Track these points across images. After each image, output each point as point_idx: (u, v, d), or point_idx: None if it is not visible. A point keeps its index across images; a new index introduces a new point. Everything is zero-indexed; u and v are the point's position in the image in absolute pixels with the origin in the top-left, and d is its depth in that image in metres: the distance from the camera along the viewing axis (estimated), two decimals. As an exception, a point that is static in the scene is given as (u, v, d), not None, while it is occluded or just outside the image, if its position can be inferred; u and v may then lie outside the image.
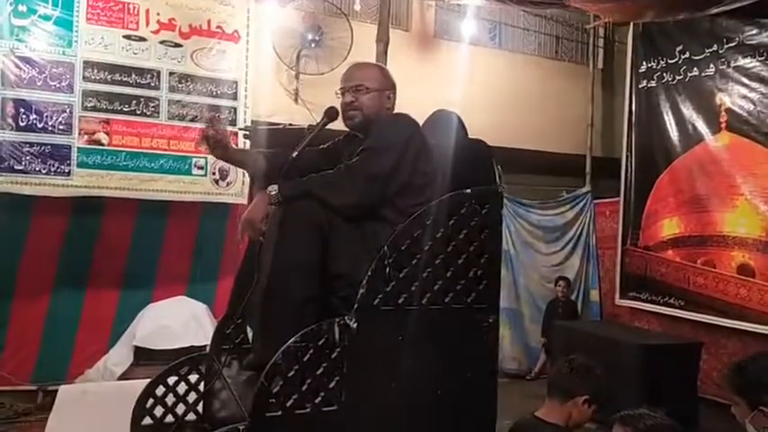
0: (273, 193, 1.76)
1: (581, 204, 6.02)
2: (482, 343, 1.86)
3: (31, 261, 4.28)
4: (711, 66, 4.67)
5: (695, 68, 4.80)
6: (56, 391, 3.46)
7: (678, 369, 4.10)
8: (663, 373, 3.88)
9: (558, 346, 4.87)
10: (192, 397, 2.25)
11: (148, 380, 2.26)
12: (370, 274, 1.68)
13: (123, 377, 3.94)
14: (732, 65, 4.51)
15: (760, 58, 4.33)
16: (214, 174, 4.64)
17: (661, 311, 5.03)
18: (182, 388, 2.24)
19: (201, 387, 2.24)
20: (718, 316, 4.53)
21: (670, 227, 5.02)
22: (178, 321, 4.18)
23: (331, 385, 1.62)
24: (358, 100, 1.98)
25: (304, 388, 1.59)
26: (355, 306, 1.66)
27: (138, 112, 4.42)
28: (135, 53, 4.39)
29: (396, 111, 2.07)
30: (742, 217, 4.44)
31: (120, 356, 4.15)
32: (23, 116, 4.10)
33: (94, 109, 4.30)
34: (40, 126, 4.14)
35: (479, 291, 1.83)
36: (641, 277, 5.23)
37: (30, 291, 4.29)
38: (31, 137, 4.12)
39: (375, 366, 1.70)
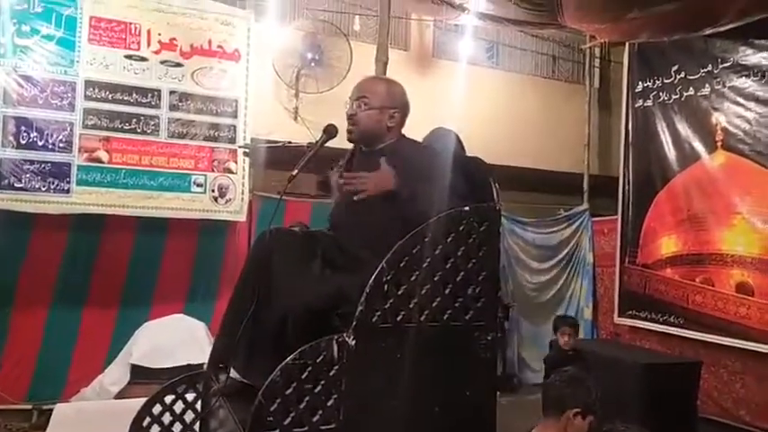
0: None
1: (578, 222, 6.04)
2: (480, 361, 1.85)
3: (30, 278, 4.27)
4: (707, 85, 4.72)
5: (691, 88, 4.85)
6: (51, 409, 3.44)
7: (678, 388, 4.07)
8: (662, 391, 3.85)
9: (557, 363, 4.83)
10: (189, 416, 2.23)
11: (145, 399, 2.24)
12: (368, 291, 1.68)
13: (120, 396, 3.90)
14: (727, 84, 4.56)
15: (755, 78, 4.39)
16: (213, 191, 4.65)
17: (660, 330, 5.01)
18: (179, 406, 2.23)
19: (199, 406, 2.22)
20: (717, 334, 4.52)
21: (668, 245, 5.03)
22: (175, 340, 4.15)
23: (329, 403, 1.61)
24: (357, 114, 2.00)
25: (302, 406, 1.59)
26: (353, 323, 1.66)
27: (139, 131, 4.44)
28: (136, 73, 4.43)
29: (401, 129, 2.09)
30: (740, 235, 4.46)
31: (116, 375, 4.12)
32: (24, 134, 4.12)
33: (95, 127, 4.33)
34: (40, 144, 4.16)
35: (477, 308, 1.84)
36: (640, 295, 5.22)
37: (27, 308, 4.27)
38: (32, 154, 4.14)
39: (373, 384, 1.69)
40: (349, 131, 2.03)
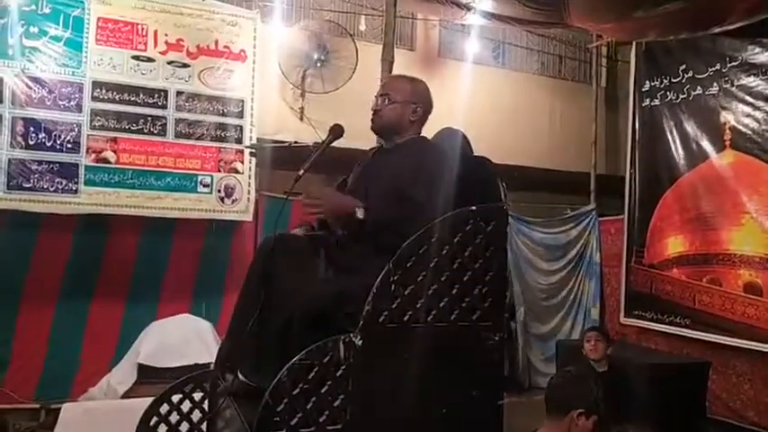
0: (360, 215, 1.82)
1: (585, 222, 6.02)
2: (488, 361, 1.85)
3: (38, 278, 4.30)
4: (715, 84, 4.69)
5: (699, 87, 4.82)
6: (59, 409, 3.45)
7: (686, 389, 4.05)
8: (671, 392, 3.84)
9: (564, 364, 4.82)
10: (196, 415, 2.24)
11: (152, 398, 2.25)
12: (375, 291, 1.68)
13: (127, 395, 3.91)
14: (735, 83, 4.53)
15: (763, 77, 4.35)
16: (220, 191, 4.66)
17: (667, 330, 4.98)
18: (186, 406, 2.24)
19: (206, 405, 2.23)
20: (725, 335, 4.48)
21: (675, 245, 4.99)
22: (182, 339, 4.15)
23: (336, 403, 1.61)
24: (381, 109, 2.07)
25: (309, 406, 1.59)
26: (360, 323, 1.66)
27: (146, 131, 4.46)
28: (143, 73, 4.45)
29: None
30: (748, 235, 4.42)
31: (123, 374, 4.12)
32: (33, 135, 4.15)
33: (102, 128, 4.35)
34: (48, 144, 4.19)
35: (485, 308, 1.83)
36: (646, 295, 5.19)
37: (35, 308, 4.29)
38: (40, 155, 4.16)
39: (380, 384, 1.69)
40: (372, 123, 2.10)
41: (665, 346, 4.98)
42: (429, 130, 2.20)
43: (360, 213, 1.82)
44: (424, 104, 2.11)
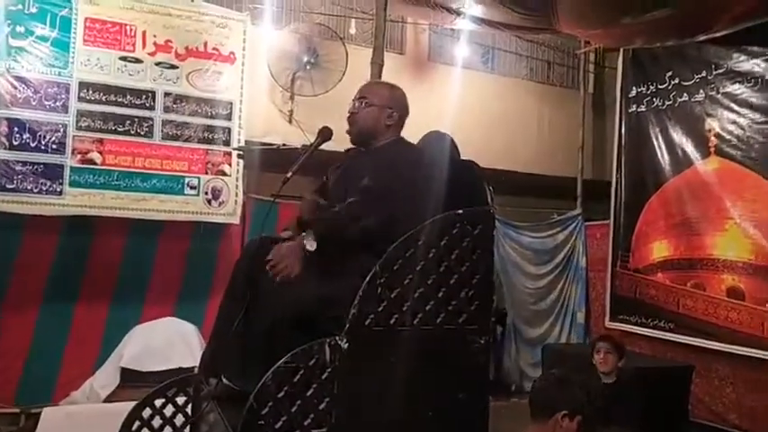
0: (309, 247, 1.75)
1: (572, 227, 6.06)
2: (473, 364, 1.85)
3: (21, 280, 4.24)
4: (701, 91, 4.75)
5: (684, 94, 4.88)
6: (39, 413, 3.41)
7: (669, 392, 4.08)
8: (654, 396, 3.86)
9: (550, 368, 4.83)
10: (179, 419, 2.22)
11: (135, 402, 2.23)
12: (361, 294, 1.67)
13: (109, 399, 3.87)
14: (721, 91, 4.59)
15: (748, 85, 4.42)
16: (207, 194, 4.63)
17: (651, 334, 5.02)
18: (169, 410, 2.21)
19: (189, 409, 2.21)
20: (708, 339, 4.53)
21: (660, 250, 5.04)
22: (166, 342, 4.12)
23: (321, 407, 1.61)
24: (358, 112, 2.06)
25: (293, 409, 1.58)
26: (346, 326, 1.66)
27: (132, 132, 4.43)
28: (131, 74, 4.42)
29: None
30: (731, 240, 4.48)
31: (106, 378, 4.08)
32: (17, 135, 4.10)
33: (88, 129, 4.31)
34: (33, 145, 4.14)
35: (471, 312, 1.84)
36: (631, 300, 5.23)
37: (18, 311, 4.23)
38: (24, 156, 4.11)
39: (366, 387, 1.68)
40: (348, 128, 2.08)
41: (649, 349, 5.02)
42: (417, 134, 2.21)
43: (309, 246, 1.76)
44: (400, 110, 2.11)
